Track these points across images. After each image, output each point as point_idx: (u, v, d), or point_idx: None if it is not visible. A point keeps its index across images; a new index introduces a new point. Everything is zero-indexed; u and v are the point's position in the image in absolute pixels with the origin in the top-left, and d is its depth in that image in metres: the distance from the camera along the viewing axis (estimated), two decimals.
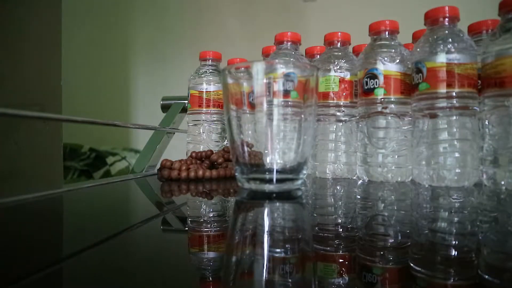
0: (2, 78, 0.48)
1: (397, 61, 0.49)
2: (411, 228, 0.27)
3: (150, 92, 1.68)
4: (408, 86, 0.48)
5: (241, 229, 0.26)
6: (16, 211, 0.32)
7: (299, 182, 0.39)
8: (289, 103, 0.39)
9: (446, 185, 0.43)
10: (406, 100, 0.49)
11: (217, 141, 0.71)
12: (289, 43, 0.61)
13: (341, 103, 0.55)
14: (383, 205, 0.36)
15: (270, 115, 0.37)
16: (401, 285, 0.17)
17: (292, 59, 0.59)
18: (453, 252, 0.21)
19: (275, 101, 0.37)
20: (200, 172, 0.50)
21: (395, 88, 0.48)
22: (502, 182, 0.42)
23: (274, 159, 0.39)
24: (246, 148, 0.38)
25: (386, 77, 0.48)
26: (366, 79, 0.50)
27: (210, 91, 0.70)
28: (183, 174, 0.50)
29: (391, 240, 0.23)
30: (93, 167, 1.61)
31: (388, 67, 0.48)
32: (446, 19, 0.46)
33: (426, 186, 0.45)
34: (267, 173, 0.38)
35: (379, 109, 0.49)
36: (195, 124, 0.71)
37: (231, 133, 0.39)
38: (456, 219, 0.30)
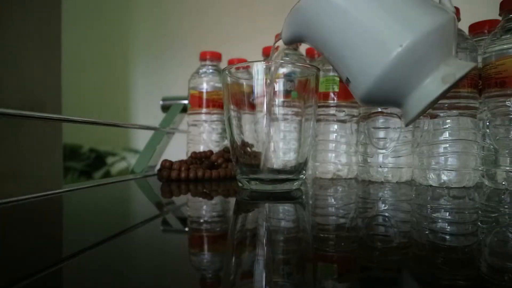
0: (2, 78, 0.48)
1: None
2: (412, 229, 0.27)
3: (150, 92, 1.68)
4: None
5: (242, 229, 0.26)
6: (16, 211, 0.32)
7: (299, 182, 0.39)
8: (290, 103, 0.39)
9: (447, 186, 0.43)
10: None
11: (217, 141, 0.71)
12: None
13: (342, 103, 0.55)
14: (383, 205, 0.36)
15: (270, 115, 0.37)
16: (402, 286, 0.17)
17: (292, 59, 0.59)
18: (454, 253, 0.21)
19: (275, 101, 0.37)
20: (200, 173, 0.49)
21: None
22: (503, 183, 0.42)
23: (275, 159, 0.39)
24: (246, 148, 0.38)
25: None
26: None
27: (210, 91, 0.70)
28: (183, 174, 0.49)
29: (391, 241, 0.23)
30: (93, 167, 1.61)
31: None
32: None
33: (427, 186, 0.44)
34: (267, 173, 0.38)
35: (380, 109, 0.49)
36: (195, 124, 0.71)
37: (231, 133, 0.39)
38: (456, 219, 0.30)
